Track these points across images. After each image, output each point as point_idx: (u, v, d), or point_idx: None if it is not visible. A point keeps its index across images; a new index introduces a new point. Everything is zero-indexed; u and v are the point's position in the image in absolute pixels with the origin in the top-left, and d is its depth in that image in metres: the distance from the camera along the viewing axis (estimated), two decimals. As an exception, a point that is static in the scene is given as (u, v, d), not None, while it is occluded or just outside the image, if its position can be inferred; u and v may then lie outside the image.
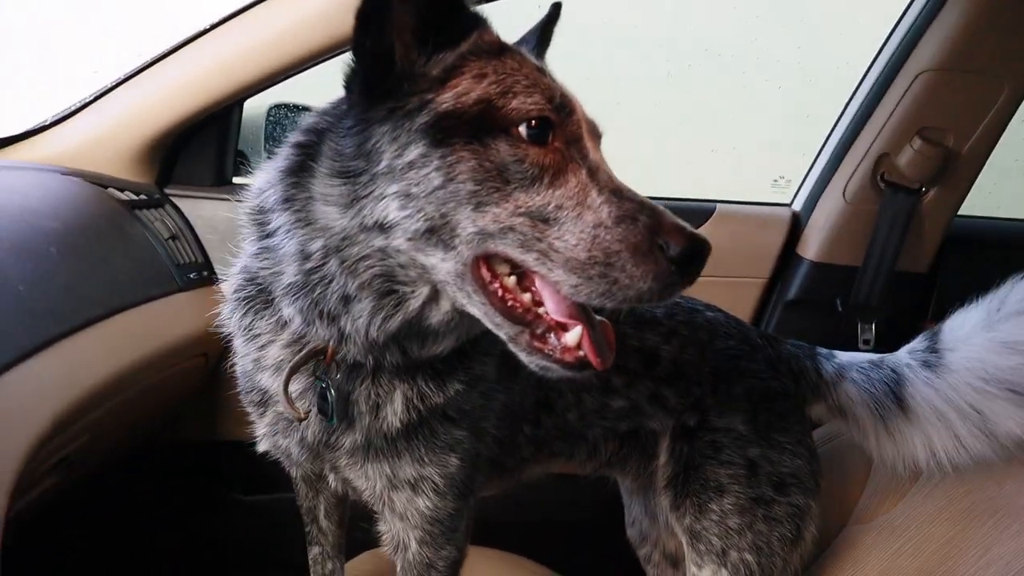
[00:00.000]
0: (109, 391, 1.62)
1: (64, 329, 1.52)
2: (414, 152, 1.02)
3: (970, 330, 1.53)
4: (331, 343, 1.16)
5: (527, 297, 1.04)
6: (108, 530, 2.30)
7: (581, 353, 1.03)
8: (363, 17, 1.05)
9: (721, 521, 1.55)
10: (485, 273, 1.03)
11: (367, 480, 1.32)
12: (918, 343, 1.63)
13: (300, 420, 1.24)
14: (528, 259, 1.00)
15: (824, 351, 1.72)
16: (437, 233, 1.02)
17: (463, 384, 1.26)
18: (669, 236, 0.99)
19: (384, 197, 1.03)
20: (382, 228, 1.05)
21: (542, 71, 1.10)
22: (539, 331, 1.04)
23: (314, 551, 1.72)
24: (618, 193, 1.02)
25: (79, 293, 1.60)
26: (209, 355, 2.03)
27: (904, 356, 1.63)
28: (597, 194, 1.02)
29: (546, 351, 1.03)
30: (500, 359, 1.33)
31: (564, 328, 1.03)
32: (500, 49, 1.10)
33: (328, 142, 1.10)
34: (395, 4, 1.04)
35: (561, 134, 1.05)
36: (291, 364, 1.20)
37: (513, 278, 1.04)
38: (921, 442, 1.56)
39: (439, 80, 1.06)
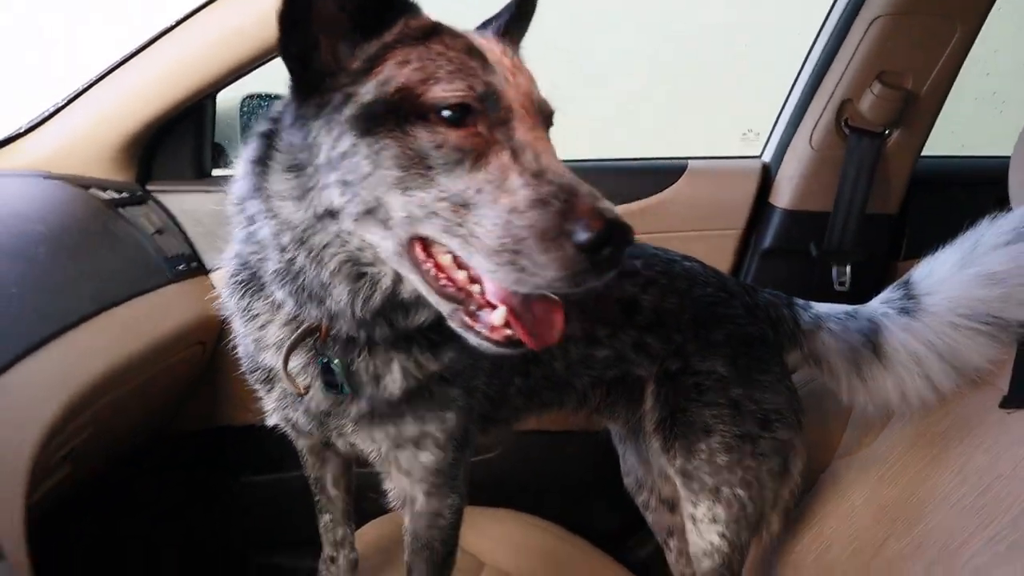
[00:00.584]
0: (110, 384, 1.65)
1: (59, 327, 1.55)
2: (346, 143, 1.05)
3: (947, 272, 1.59)
4: (323, 321, 1.21)
5: (462, 275, 1.06)
6: (117, 521, 2.34)
7: (508, 332, 1.04)
8: (283, 19, 1.06)
9: (710, 459, 1.61)
10: (420, 253, 1.05)
11: (373, 443, 1.39)
12: (891, 292, 1.71)
13: (301, 395, 1.30)
14: (453, 244, 1.02)
15: (801, 301, 1.78)
16: (375, 214, 1.05)
17: (456, 351, 1.31)
18: (580, 221, 0.94)
19: (327, 187, 1.07)
20: (331, 214, 1.09)
21: (473, 52, 1.09)
22: (472, 308, 1.05)
23: (324, 519, 1.78)
24: (540, 175, 1.00)
25: (71, 292, 1.63)
26: (206, 343, 2.07)
27: (879, 306, 1.70)
28: (517, 176, 1.00)
29: (476, 328, 1.05)
30: None
31: (493, 307, 1.04)
32: (427, 33, 1.10)
33: (281, 135, 1.14)
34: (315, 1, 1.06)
35: (484, 118, 1.04)
36: (288, 343, 1.26)
37: (449, 256, 1.05)
38: (893, 386, 1.65)
39: (363, 71, 1.07)
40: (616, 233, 0.95)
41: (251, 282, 1.29)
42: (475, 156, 1.02)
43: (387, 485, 1.48)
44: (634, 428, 1.81)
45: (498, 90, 1.06)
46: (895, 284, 1.73)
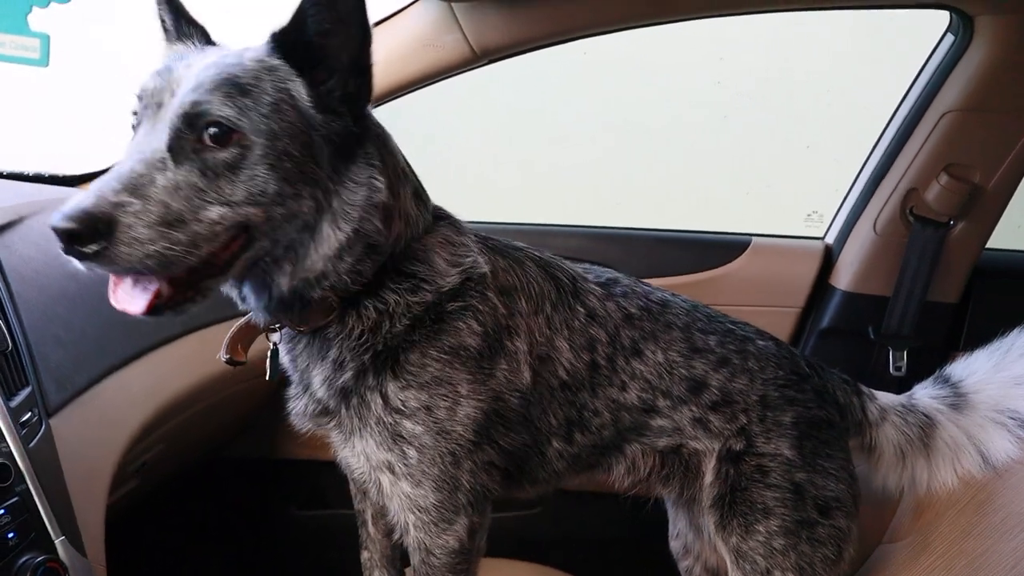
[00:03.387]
0: (185, 403, 1.75)
1: (150, 344, 1.66)
2: None
3: (986, 374, 1.71)
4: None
5: None
6: (170, 542, 2.41)
7: None
8: None
9: (767, 542, 1.59)
10: None
11: (355, 459, 1.43)
12: (936, 388, 1.77)
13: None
14: None
15: (866, 390, 1.79)
16: None
17: (352, 377, 1.37)
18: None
19: None
20: None
21: (163, 70, 1.23)
22: None
23: (364, 556, 1.78)
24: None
25: (162, 311, 1.75)
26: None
27: (930, 401, 1.75)
28: None
29: None
30: (473, 370, 1.40)
31: None
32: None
33: None
34: None
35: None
36: (232, 332, 1.44)
37: None
38: (924, 472, 1.72)
39: None
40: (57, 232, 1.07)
41: None
42: None
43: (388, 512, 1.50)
44: (689, 497, 1.80)
45: (140, 99, 1.22)
46: (935, 379, 1.80)
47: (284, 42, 1.25)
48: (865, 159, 2.47)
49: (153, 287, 1.15)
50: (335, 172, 1.26)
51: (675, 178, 3.35)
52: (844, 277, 2.37)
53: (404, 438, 1.37)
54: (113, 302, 1.16)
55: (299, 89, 1.24)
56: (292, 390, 1.49)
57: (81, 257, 1.08)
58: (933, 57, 2.28)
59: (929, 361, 2.23)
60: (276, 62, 1.25)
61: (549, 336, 1.49)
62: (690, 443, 1.64)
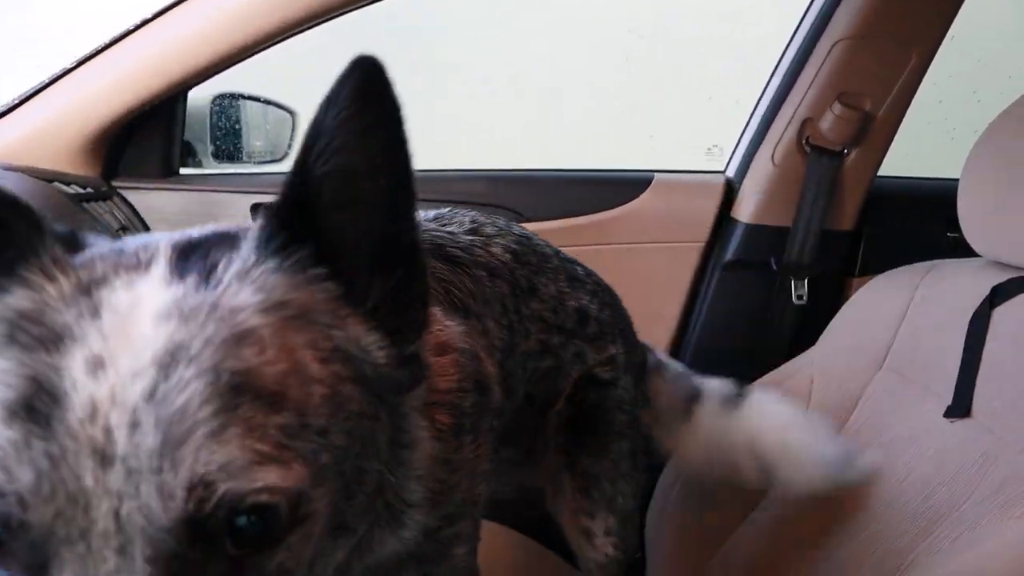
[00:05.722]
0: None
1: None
2: None
3: (773, 403, 1.71)
4: None
5: None
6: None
7: None
8: None
9: (616, 465, 1.59)
10: None
11: None
12: (732, 386, 1.76)
13: None
14: None
15: (650, 344, 1.84)
16: None
17: None
18: None
19: None
20: None
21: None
22: None
23: None
24: None
25: (34, 284, 1.62)
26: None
27: (715, 382, 1.76)
28: None
29: None
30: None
31: None
32: None
33: None
34: None
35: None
36: None
37: None
38: (702, 456, 1.72)
39: None
40: None
41: None
42: None
43: None
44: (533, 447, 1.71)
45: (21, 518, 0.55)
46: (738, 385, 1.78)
47: (289, 229, 0.67)
48: (763, 89, 2.48)
49: None
50: None
51: (577, 118, 3.32)
52: (745, 209, 2.39)
53: None
54: None
55: (357, 332, 0.68)
56: None
57: None
58: (825, -16, 2.29)
59: (828, 288, 2.31)
60: (314, 292, 0.66)
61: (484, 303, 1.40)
62: (562, 381, 1.58)
